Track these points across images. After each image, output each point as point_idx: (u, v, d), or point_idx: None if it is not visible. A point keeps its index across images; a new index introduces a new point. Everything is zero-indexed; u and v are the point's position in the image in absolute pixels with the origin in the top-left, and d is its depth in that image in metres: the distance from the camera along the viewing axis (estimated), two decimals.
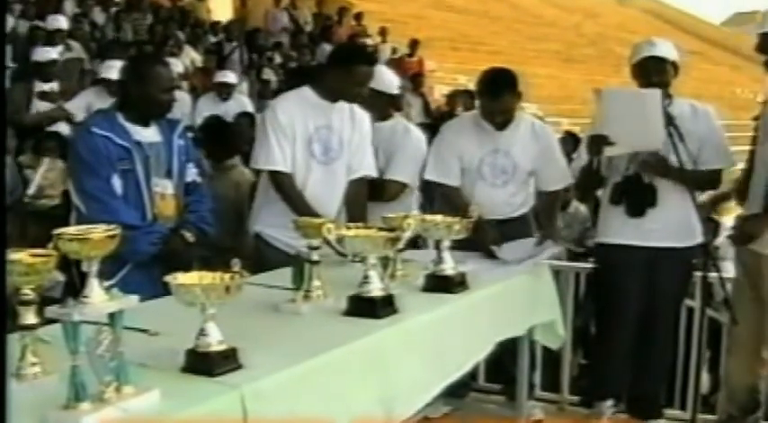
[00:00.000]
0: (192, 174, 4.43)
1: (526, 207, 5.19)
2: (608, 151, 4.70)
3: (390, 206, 4.91)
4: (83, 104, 8.52)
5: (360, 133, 4.93)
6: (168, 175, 4.31)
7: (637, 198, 4.80)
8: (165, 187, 4.29)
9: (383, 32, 17.87)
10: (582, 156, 4.94)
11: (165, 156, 4.30)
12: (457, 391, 4.86)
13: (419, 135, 5.45)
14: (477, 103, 5.25)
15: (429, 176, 5.15)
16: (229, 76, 10.79)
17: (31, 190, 7.04)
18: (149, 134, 4.28)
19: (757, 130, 4.82)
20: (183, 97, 10.17)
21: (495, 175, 5.03)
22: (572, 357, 5.71)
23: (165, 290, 2.63)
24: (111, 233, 2.39)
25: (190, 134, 4.84)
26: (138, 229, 4.03)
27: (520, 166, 5.04)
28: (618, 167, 4.85)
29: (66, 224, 4.80)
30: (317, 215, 4.37)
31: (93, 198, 4.12)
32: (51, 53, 9.05)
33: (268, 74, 13.03)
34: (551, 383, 5.62)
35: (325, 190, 4.77)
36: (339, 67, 4.76)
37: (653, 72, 4.74)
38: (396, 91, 5.41)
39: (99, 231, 2.38)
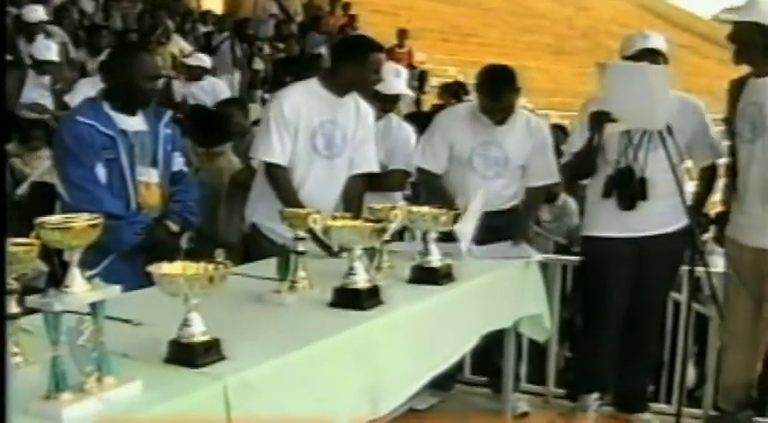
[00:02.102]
0: (178, 163, 4.43)
1: (517, 199, 5.19)
2: (610, 128, 4.69)
3: (388, 196, 5.09)
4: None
5: (364, 128, 4.94)
6: (153, 164, 4.30)
7: (628, 191, 4.78)
8: (150, 176, 4.28)
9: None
10: (575, 144, 4.91)
11: (151, 145, 4.29)
12: (443, 384, 4.86)
13: (409, 127, 5.58)
14: (474, 96, 5.25)
15: (416, 161, 5.20)
16: (204, 61, 10.81)
17: (22, 189, 6.99)
18: (135, 123, 4.26)
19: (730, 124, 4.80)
20: None
21: (486, 167, 5.05)
22: (558, 350, 5.71)
23: (149, 280, 2.62)
24: (93, 222, 2.36)
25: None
26: (121, 219, 4.02)
27: (512, 159, 5.05)
28: (609, 160, 4.83)
29: (42, 213, 4.81)
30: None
31: (77, 187, 4.12)
32: (52, 54, 8.96)
33: (258, 64, 13.00)
34: (537, 376, 5.62)
35: (326, 185, 4.77)
36: (352, 59, 4.75)
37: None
38: (395, 91, 5.43)
39: (81, 221, 2.36)
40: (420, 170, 5.19)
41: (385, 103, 5.36)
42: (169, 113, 4.56)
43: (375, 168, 5.04)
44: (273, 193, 4.73)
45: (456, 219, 3.91)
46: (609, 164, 4.84)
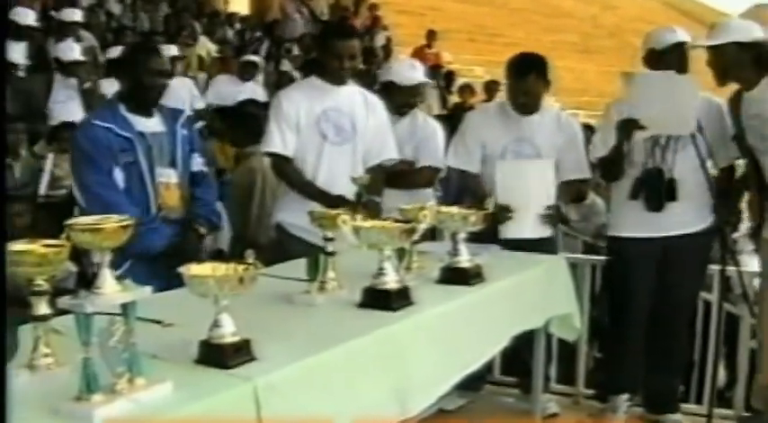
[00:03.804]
0: (197, 164, 4.44)
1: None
2: (638, 134, 4.67)
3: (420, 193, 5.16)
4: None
5: (376, 118, 4.96)
6: (172, 164, 4.30)
7: (657, 193, 4.75)
8: (170, 177, 4.29)
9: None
10: (599, 147, 4.89)
11: (169, 145, 4.30)
12: (472, 384, 4.83)
13: (435, 123, 5.57)
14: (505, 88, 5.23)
15: (450, 163, 5.20)
16: (256, 58, 10.81)
17: (42, 189, 7.04)
18: (152, 124, 4.27)
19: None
20: (186, 83, 10.22)
21: None
22: (587, 350, 5.68)
23: (168, 283, 2.62)
24: (123, 224, 2.36)
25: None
26: (141, 224, 4.01)
27: (543, 155, 4.99)
28: (636, 161, 4.80)
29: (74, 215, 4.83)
30: (320, 191, 4.57)
31: (93, 192, 4.11)
32: (76, 53, 8.96)
33: (286, 65, 13.00)
34: (566, 376, 5.60)
35: (341, 171, 4.74)
36: (320, 45, 4.94)
37: (682, 59, 4.73)
38: (413, 82, 5.37)
39: (111, 222, 2.35)
40: (456, 171, 5.17)
41: (406, 97, 5.34)
42: (186, 114, 4.59)
43: (395, 155, 5.05)
44: (285, 184, 4.87)
45: (485, 218, 3.89)
46: (636, 165, 4.82)
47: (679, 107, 4.58)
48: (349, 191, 4.52)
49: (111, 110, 4.26)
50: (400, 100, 5.29)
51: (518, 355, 4.95)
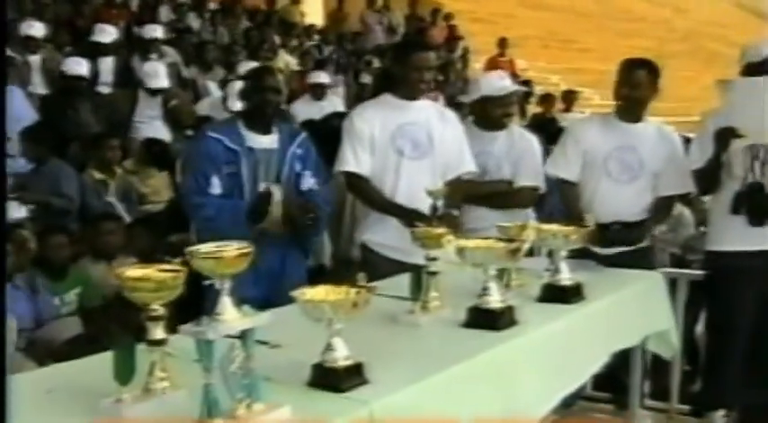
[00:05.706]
0: (308, 182, 4.61)
1: (646, 215, 5.01)
2: (736, 143, 4.61)
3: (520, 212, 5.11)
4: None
5: (453, 130, 4.94)
6: (277, 180, 4.50)
7: (759, 208, 4.67)
8: (274, 193, 4.45)
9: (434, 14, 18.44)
10: (696, 160, 4.83)
11: (277, 163, 4.51)
12: (565, 400, 4.78)
13: (532, 136, 5.49)
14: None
15: (549, 170, 5.17)
16: (322, 77, 10.81)
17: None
18: (266, 141, 4.51)
19: None
20: None
21: (621, 171, 4.94)
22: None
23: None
24: (243, 251, 2.38)
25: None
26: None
27: (646, 164, 4.94)
28: (736, 175, 4.73)
29: (170, 231, 5.07)
30: (395, 205, 4.62)
31: (185, 196, 4.56)
32: (161, 81, 8.87)
33: (366, 77, 13.00)
34: (659, 391, 5.51)
35: (421, 186, 4.54)
36: (396, 59, 4.89)
37: None
38: (502, 93, 5.32)
39: (231, 249, 2.37)
40: (555, 183, 5.14)
41: (503, 108, 5.32)
42: (303, 134, 4.76)
43: (473, 168, 4.99)
44: (361, 202, 4.91)
45: (585, 236, 3.87)
46: (735, 179, 4.74)
47: None
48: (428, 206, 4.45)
49: (229, 124, 4.61)
50: (498, 112, 5.27)
51: (611, 371, 4.90)
